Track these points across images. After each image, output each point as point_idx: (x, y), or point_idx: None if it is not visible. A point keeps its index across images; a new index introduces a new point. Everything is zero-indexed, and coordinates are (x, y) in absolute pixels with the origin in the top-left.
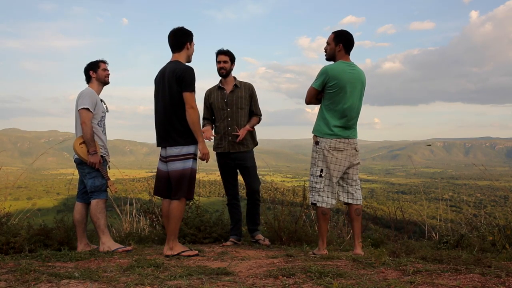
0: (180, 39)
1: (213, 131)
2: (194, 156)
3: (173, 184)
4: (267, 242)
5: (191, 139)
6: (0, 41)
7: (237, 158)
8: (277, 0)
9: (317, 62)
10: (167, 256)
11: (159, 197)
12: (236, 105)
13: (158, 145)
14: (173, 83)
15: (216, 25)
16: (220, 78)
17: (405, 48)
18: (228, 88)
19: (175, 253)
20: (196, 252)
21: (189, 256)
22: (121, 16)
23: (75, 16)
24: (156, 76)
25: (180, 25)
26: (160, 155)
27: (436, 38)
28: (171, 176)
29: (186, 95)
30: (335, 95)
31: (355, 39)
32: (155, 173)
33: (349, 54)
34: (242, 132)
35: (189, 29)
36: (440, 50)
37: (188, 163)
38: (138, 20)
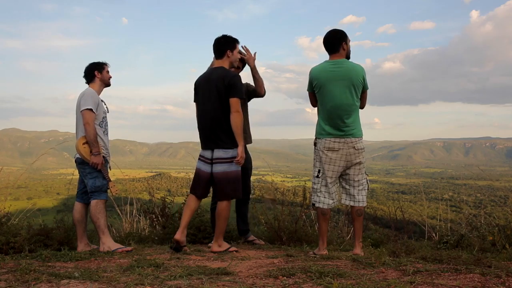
0: (221, 47)
1: None
2: None
3: (218, 186)
4: (261, 242)
5: (236, 142)
6: (0, 41)
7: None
8: (277, 0)
9: (317, 62)
10: (214, 252)
11: (196, 195)
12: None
13: (205, 148)
14: (222, 89)
15: (217, 25)
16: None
17: (405, 48)
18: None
19: (223, 250)
20: (236, 249)
21: (234, 251)
22: (121, 16)
23: (75, 16)
24: (199, 81)
25: (225, 33)
26: (204, 156)
27: (436, 38)
28: (216, 178)
29: (233, 100)
30: (319, 95)
31: (355, 38)
32: (194, 172)
33: (334, 53)
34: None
35: (234, 36)
36: (440, 50)
37: (234, 165)
38: (138, 20)
